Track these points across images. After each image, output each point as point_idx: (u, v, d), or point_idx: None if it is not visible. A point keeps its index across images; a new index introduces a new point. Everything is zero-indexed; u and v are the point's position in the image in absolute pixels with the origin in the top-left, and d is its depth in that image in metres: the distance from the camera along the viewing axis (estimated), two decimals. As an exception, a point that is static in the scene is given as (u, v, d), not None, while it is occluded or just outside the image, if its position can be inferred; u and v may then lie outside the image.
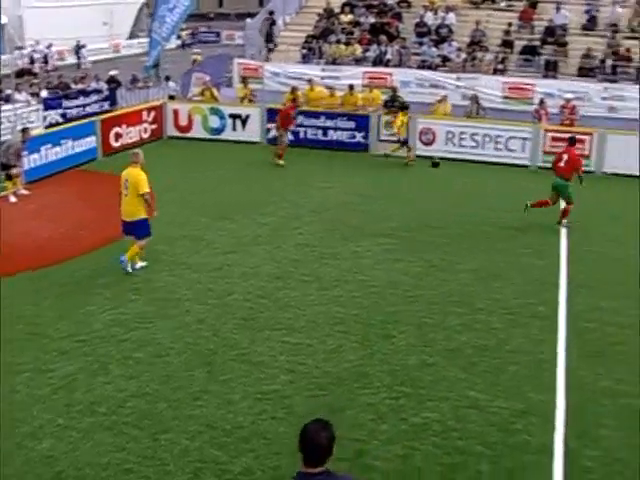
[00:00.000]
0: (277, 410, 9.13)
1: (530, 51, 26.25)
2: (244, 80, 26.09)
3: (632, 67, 25.16)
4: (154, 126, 24.27)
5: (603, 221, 17.00)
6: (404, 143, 21.82)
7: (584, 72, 25.31)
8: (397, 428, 8.86)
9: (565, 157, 16.29)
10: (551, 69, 25.63)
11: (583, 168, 16.78)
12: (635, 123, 21.85)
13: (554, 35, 26.63)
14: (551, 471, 8.21)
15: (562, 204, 16.48)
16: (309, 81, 24.79)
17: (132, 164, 13.17)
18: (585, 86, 24.18)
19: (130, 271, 13.19)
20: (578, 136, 19.50)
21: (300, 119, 22.99)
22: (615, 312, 12.14)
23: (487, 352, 10.71)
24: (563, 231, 16.05)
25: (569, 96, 22.85)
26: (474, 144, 22.03)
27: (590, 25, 27.32)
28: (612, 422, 9.14)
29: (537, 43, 26.56)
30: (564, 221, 16.37)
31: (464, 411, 9.25)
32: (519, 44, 26.65)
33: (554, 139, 20.87)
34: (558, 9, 27.28)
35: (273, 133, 23.17)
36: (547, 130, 21.30)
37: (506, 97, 24.46)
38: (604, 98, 23.99)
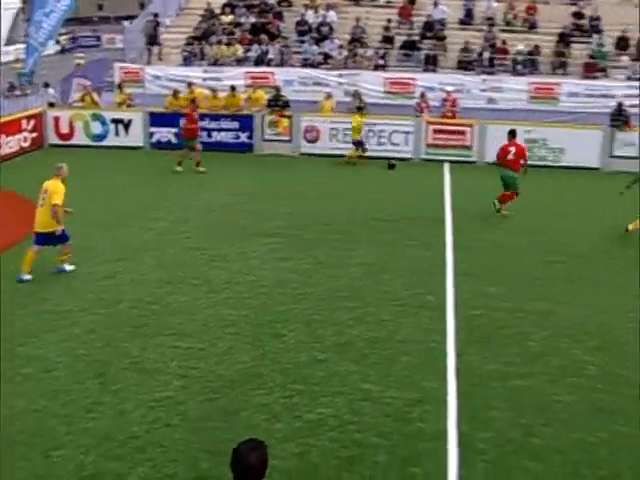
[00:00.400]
0: (171, 417, 8.95)
1: (410, 46, 26.68)
2: (120, 85, 25.66)
3: (508, 59, 25.88)
4: (34, 135, 23.61)
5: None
6: (359, 145, 21.79)
7: (463, 65, 25.93)
8: (292, 426, 8.80)
9: (513, 150, 17.08)
10: (431, 63, 26.11)
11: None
12: (512, 113, 22.53)
13: (433, 30, 27.14)
14: (446, 456, 8.31)
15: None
16: (189, 85, 24.40)
17: (54, 176, 13.19)
18: (464, 79, 24.79)
19: (22, 279, 12.95)
20: (459, 128, 19.99)
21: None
22: (501, 298, 12.48)
23: (378, 344, 10.79)
24: (449, 222, 16.37)
25: (449, 89, 23.33)
26: (358, 140, 22.13)
27: (467, 19, 28.00)
28: (502, 404, 9.34)
29: (417, 38, 27.02)
30: (504, 206, 17.18)
31: (358, 404, 9.27)
32: (399, 39, 27.03)
33: (436, 131, 21.31)
34: (436, 4, 27.81)
35: (157, 137, 22.82)
36: (429, 123, 21.70)
37: (388, 92, 24.80)
38: (483, 90, 24.64)
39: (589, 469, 8.22)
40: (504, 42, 26.19)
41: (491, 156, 20.93)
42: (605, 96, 24.38)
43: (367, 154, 21.81)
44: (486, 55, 25.97)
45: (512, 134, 17.42)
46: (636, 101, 23.86)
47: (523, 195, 17.18)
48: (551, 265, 14.22)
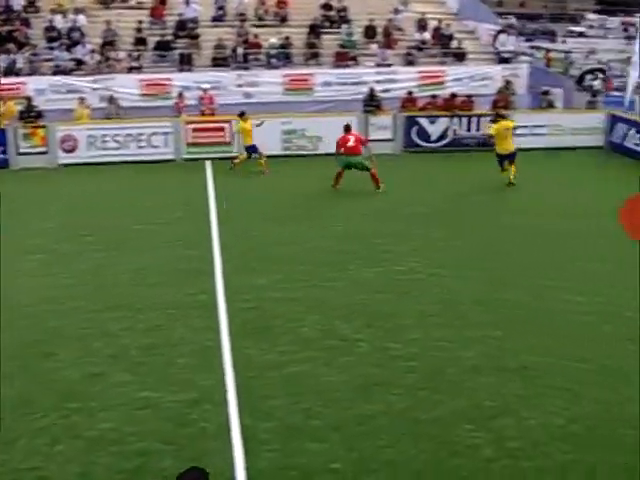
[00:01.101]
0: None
1: (164, 46, 26.35)
2: None
3: (262, 53, 26.24)
4: None
5: (252, 203, 17.57)
6: (249, 150, 21.04)
7: (218, 62, 25.93)
8: (73, 446, 8.48)
9: (352, 138, 18.84)
10: (186, 62, 25.93)
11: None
12: (270, 106, 22.94)
13: (186, 29, 26.97)
14: (231, 451, 8.32)
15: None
16: None
17: None
18: (220, 75, 24.84)
19: None
20: (217, 125, 20.08)
21: None
22: (271, 288, 12.68)
23: (152, 350, 10.62)
24: (214, 219, 16.40)
25: (206, 87, 23.31)
26: (117, 145, 21.73)
27: (220, 16, 28.06)
28: (280, 392, 9.51)
29: (170, 38, 26.73)
30: (381, 186, 18.55)
31: (138, 413, 9.10)
32: (152, 40, 26.61)
33: (195, 130, 21.25)
34: (188, 3, 27.58)
35: None
36: (188, 122, 21.59)
37: (144, 94, 24.32)
38: (239, 85, 24.81)
39: (369, 440, 8.55)
40: (256, 36, 26.52)
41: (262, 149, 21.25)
42: (357, 83, 25.31)
43: (106, 160, 21.45)
44: (240, 51, 26.14)
45: (347, 128, 19.10)
46: (386, 86, 25.06)
47: (285, 186, 17.61)
48: (313, 252, 14.57)
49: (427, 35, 28.18)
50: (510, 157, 19.44)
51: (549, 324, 11.72)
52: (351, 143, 18.75)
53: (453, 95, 23.73)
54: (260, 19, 28.03)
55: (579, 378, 10.12)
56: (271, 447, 8.41)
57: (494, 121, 20.28)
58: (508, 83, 25.36)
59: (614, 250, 14.82)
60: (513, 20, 51.92)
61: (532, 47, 41.21)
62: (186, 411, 9.12)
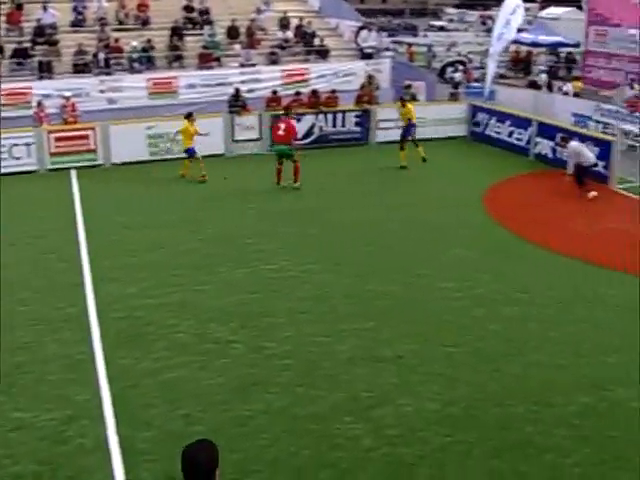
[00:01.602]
0: None
1: (22, 54, 25.52)
2: None
3: (124, 58, 25.79)
4: None
5: (120, 211, 17.26)
6: (187, 152, 20.16)
7: (79, 68, 25.32)
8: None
9: (282, 126, 18.83)
10: (45, 70, 25.20)
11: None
12: (134, 111, 22.59)
13: (44, 35, 26.21)
14: (111, 465, 8.18)
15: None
16: None
17: None
18: (82, 82, 24.24)
19: None
20: (81, 132, 19.60)
21: None
22: (142, 296, 12.51)
23: (23, 368, 10.24)
24: (81, 228, 16.00)
25: (67, 94, 22.65)
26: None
27: (79, 21, 27.39)
28: (158, 400, 9.41)
29: (28, 45, 25.92)
30: (298, 183, 18.74)
31: (11, 435, 8.80)
32: (9, 48, 25.74)
33: (58, 139, 20.64)
34: (45, 8, 26.79)
35: None
36: (50, 131, 20.95)
37: (3, 104, 23.43)
38: (102, 91, 24.29)
39: (249, 441, 8.59)
40: (117, 41, 26.04)
41: (117, 157, 20.86)
42: (222, 84, 25.21)
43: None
44: (101, 56, 25.59)
45: (285, 112, 19.51)
46: (251, 86, 25.09)
47: (152, 192, 17.36)
48: (183, 256, 14.43)
49: (290, 34, 28.40)
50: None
51: (422, 312, 12.05)
52: (281, 132, 18.88)
53: (314, 92, 23.95)
54: (121, 23, 27.56)
55: (453, 362, 10.45)
56: (151, 457, 8.32)
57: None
58: (370, 78, 25.82)
59: (477, 238, 15.45)
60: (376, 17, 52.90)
61: (394, 42, 42.08)
62: (62, 428, 8.90)
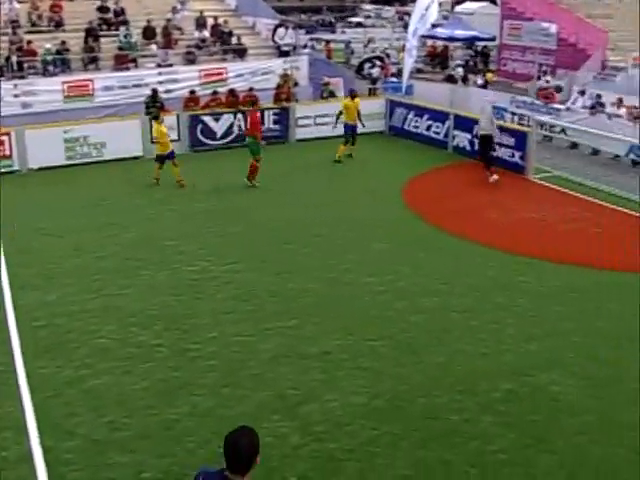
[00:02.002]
0: None
1: None
2: None
3: (37, 61, 25.25)
4: None
5: (39, 217, 16.91)
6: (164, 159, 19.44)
7: (-7, 72, 24.73)
8: None
9: (248, 120, 19.39)
10: (-44, 75, 24.55)
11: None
12: (50, 115, 22.17)
13: (-48, 39, 25.50)
14: (36, 477, 8.05)
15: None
16: None
17: None
18: (-8, 86, 23.65)
19: None
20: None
21: None
22: (62, 303, 12.28)
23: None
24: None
25: (-21, 99, 22.15)
26: None
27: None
28: (82, 408, 9.28)
29: None
30: (254, 181, 18.85)
31: None
32: None
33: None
34: (-45, 11, 26.08)
35: None
36: (-37, 138, 20.38)
37: None
38: (16, 95, 23.71)
39: (178, 445, 8.57)
40: (30, 43, 25.44)
41: (34, 162, 20.39)
42: (139, 85, 24.90)
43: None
44: (14, 59, 25.01)
45: (252, 104, 20.00)
46: (169, 87, 24.90)
47: (70, 196, 17.12)
48: (103, 261, 14.19)
49: (206, 33, 28.24)
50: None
51: (346, 307, 12.15)
52: (248, 125, 19.41)
53: (232, 91, 23.83)
54: (34, 25, 26.94)
55: (378, 356, 10.58)
56: (77, 466, 8.23)
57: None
58: (286, 76, 25.76)
59: (397, 231, 15.70)
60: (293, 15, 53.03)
61: (312, 39, 42.23)
62: (-18, 441, 8.71)
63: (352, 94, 22.39)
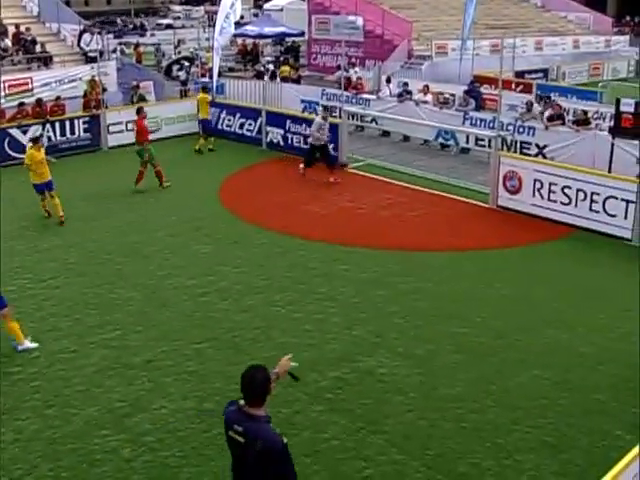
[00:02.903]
0: None
1: None
2: None
3: None
4: None
5: None
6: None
7: None
8: None
9: (136, 128, 19.12)
10: None
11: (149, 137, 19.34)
12: None
13: None
14: None
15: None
16: None
17: None
18: None
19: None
20: None
21: None
22: None
23: None
24: None
25: None
26: None
27: None
28: None
29: None
30: (165, 184, 19.00)
31: None
32: None
33: None
34: None
35: None
36: None
37: None
38: None
39: (4, 475, 8.22)
40: None
41: None
42: None
43: None
44: None
45: (138, 111, 19.32)
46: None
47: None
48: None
49: (8, 42, 27.11)
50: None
51: (169, 313, 12.10)
52: (135, 133, 19.34)
53: (39, 101, 22.94)
54: None
55: (204, 358, 10.61)
56: None
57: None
58: (94, 82, 24.99)
59: (215, 232, 15.83)
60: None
61: (121, 43, 41.41)
62: None
63: (204, 89, 23.69)
